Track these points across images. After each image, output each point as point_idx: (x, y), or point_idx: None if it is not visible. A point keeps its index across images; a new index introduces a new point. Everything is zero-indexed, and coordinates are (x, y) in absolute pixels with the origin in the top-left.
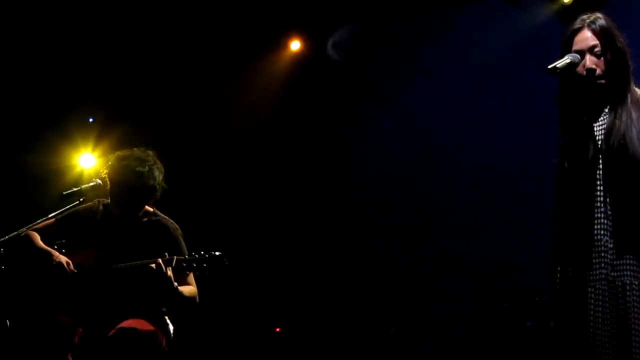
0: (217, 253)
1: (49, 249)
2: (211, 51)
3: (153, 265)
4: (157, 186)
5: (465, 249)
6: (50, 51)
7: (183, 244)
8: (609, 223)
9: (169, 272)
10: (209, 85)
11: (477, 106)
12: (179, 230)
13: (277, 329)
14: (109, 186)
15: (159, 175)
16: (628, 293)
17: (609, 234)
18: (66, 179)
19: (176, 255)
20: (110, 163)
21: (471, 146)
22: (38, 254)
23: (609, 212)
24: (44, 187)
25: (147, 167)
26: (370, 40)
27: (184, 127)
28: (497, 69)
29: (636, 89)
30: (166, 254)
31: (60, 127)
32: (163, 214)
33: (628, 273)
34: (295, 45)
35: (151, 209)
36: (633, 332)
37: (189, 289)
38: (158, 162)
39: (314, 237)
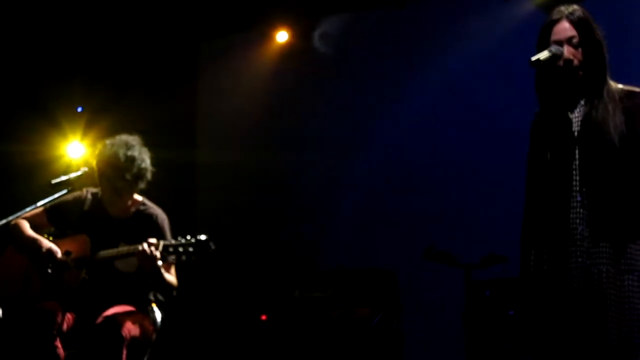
0: (203, 237)
1: (38, 236)
2: (194, 42)
3: (139, 249)
4: (148, 168)
5: (450, 239)
6: (38, 40)
7: (170, 232)
8: (585, 212)
9: (156, 256)
10: (192, 80)
11: (462, 98)
12: (167, 220)
13: (263, 317)
14: (97, 175)
15: (147, 158)
16: (604, 280)
17: (584, 222)
18: (54, 168)
19: (162, 240)
20: (99, 151)
21: (456, 137)
22: (27, 241)
23: (585, 201)
24: (32, 176)
25: (137, 151)
26: (356, 32)
27: (167, 122)
28: (482, 62)
29: (612, 82)
30: (153, 239)
31: (49, 116)
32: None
33: (604, 261)
34: (282, 36)
35: (140, 199)
36: (609, 319)
37: (170, 279)
38: (144, 147)
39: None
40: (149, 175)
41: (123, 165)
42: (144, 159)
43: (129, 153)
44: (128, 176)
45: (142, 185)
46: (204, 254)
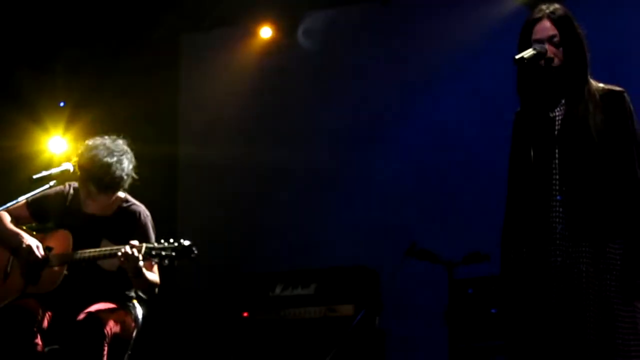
0: (186, 242)
1: (20, 230)
2: (176, 36)
3: (122, 252)
4: (125, 177)
5: (433, 237)
6: (18, 33)
7: (152, 231)
8: (564, 211)
9: (138, 259)
10: (174, 74)
11: (446, 96)
12: (150, 217)
13: (245, 313)
14: (78, 173)
15: (128, 165)
16: (584, 280)
17: (564, 222)
18: (36, 163)
19: (145, 242)
20: (79, 151)
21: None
22: (9, 235)
23: (564, 201)
24: (14, 171)
25: (115, 158)
26: (340, 28)
27: (149, 116)
28: (465, 57)
29: (593, 81)
30: (136, 241)
31: (30, 111)
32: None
33: (584, 260)
34: (265, 32)
35: (122, 195)
36: (588, 319)
37: (152, 277)
38: (129, 151)
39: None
40: (125, 184)
41: (97, 171)
42: (123, 167)
43: (106, 160)
44: (100, 183)
45: (117, 192)
46: (187, 259)
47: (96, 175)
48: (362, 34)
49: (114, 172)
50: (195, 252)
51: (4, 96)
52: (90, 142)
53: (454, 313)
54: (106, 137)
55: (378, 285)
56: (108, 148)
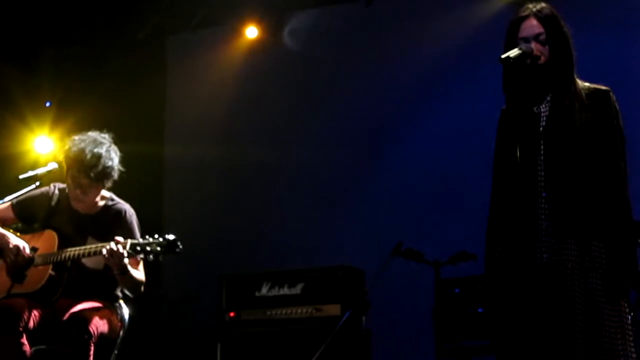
0: (170, 237)
1: (5, 231)
2: (162, 36)
3: (107, 248)
4: (115, 167)
5: (419, 237)
6: (3, 32)
7: (137, 228)
8: (549, 208)
9: (122, 255)
10: (160, 74)
11: (429, 94)
12: (135, 216)
13: (231, 313)
14: (65, 170)
15: (115, 157)
16: (569, 277)
17: (549, 218)
18: (22, 163)
19: (130, 239)
20: (66, 147)
21: (422, 134)
22: None
23: (550, 197)
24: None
25: (104, 148)
26: (324, 28)
27: (135, 116)
28: (451, 58)
29: (579, 80)
30: (120, 237)
31: (16, 111)
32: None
33: (569, 258)
34: (251, 32)
35: (108, 194)
36: (576, 316)
37: (138, 275)
38: (113, 145)
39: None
40: (115, 175)
41: (88, 162)
42: (112, 157)
43: (96, 150)
44: (92, 174)
45: (107, 184)
46: (172, 254)
47: (88, 165)
48: (347, 34)
49: (106, 162)
50: (180, 246)
51: None
52: (76, 137)
53: (440, 312)
54: (90, 132)
55: (364, 285)
56: (95, 140)
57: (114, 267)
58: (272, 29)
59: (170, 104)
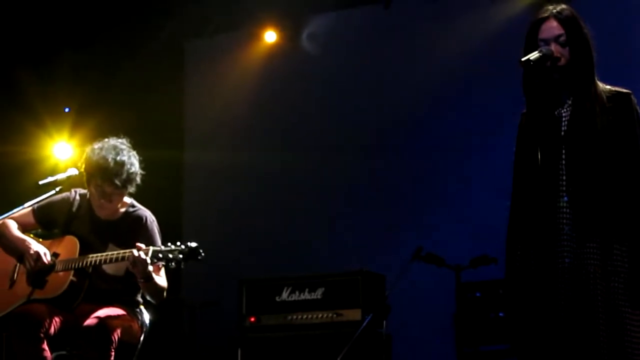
0: (192, 244)
1: (26, 237)
2: (180, 41)
3: (129, 256)
4: (137, 172)
5: (439, 240)
6: (23, 40)
7: (158, 235)
8: (571, 212)
9: (146, 262)
10: (179, 79)
11: (449, 96)
12: (155, 222)
13: (252, 318)
14: (86, 179)
15: (136, 162)
16: (591, 281)
17: (571, 222)
18: (41, 169)
19: (151, 246)
20: (87, 156)
21: (444, 133)
22: (15, 241)
23: (571, 201)
24: (20, 176)
25: (125, 155)
26: (343, 32)
27: (154, 122)
28: (469, 61)
29: (600, 82)
30: (142, 245)
31: (35, 117)
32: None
33: (591, 262)
34: (270, 36)
35: (128, 200)
36: (599, 320)
37: (160, 281)
38: (132, 150)
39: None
40: (138, 179)
41: (112, 170)
42: (133, 162)
43: (118, 157)
44: (117, 181)
45: (131, 189)
46: (193, 261)
47: (112, 173)
48: (365, 38)
49: (129, 168)
50: (202, 253)
51: (9, 102)
52: (96, 145)
53: (461, 317)
54: (108, 139)
55: (385, 290)
56: (115, 147)
57: (138, 274)
58: (290, 33)
59: (189, 109)
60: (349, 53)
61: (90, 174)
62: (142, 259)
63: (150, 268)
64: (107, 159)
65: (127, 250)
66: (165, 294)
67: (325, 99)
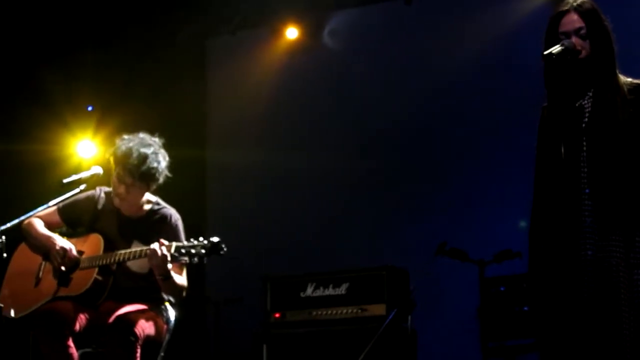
0: (215, 239)
1: (52, 234)
2: (202, 39)
3: (151, 250)
4: (160, 170)
5: (464, 236)
6: (46, 38)
7: (183, 233)
8: (593, 204)
9: (166, 257)
10: (201, 77)
11: (470, 92)
12: (180, 220)
13: (276, 314)
14: (113, 169)
15: (162, 161)
16: (614, 274)
17: (593, 215)
18: (65, 167)
19: (175, 242)
20: (115, 145)
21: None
22: (41, 239)
23: (593, 193)
24: (44, 175)
25: (151, 150)
26: (364, 28)
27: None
28: (493, 55)
29: (621, 75)
30: (165, 240)
31: (59, 115)
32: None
33: (615, 254)
34: (291, 32)
35: (154, 198)
36: (623, 312)
37: (180, 280)
38: (163, 150)
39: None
40: (160, 178)
41: (133, 161)
42: (158, 160)
43: (143, 150)
44: (136, 174)
45: (152, 186)
46: (216, 256)
47: (133, 164)
48: (387, 33)
49: (151, 163)
50: (225, 248)
51: (32, 100)
52: (126, 136)
53: (485, 311)
54: (141, 134)
55: (409, 285)
56: (144, 141)
57: (157, 271)
58: (312, 29)
59: (211, 107)
60: (370, 49)
61: (114, 161)
62: (164, 254)
63: (170, 266)
64: (131, 150)
65: (149, 247)
66: (184, 293)
67: (346, 95)
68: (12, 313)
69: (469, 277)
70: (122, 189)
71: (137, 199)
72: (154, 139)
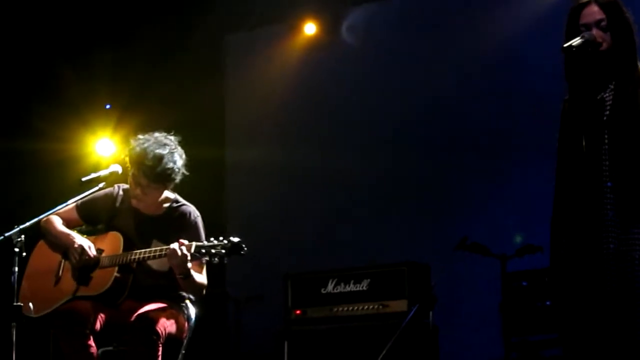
0: (235, 239)
1: (71, 232)
2: (220, 36)
3: (171, 250)
4: (177, 170)
5: (484, 230)
6: (65, 38)
7: (203, 230)
8: (615, 197)
9: (186, 257)
10: (219, 74)
11: (489, 85)
12: (200, 217)
13: (297, 311)
14: (129, 169)
15: (179, 160)
16: (637, 267)
17: (615, 208)
18: (84, 165)
19: (195, 241)
20: (130, 146)
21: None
22: (60, 236)
23: (615, 186)
24: (62, 173)
25: (167, 150)
26: (382, 22)
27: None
28: (510, 48)
29: None
30: (185, 240)
31: (77, 113)
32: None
33: (637, 247)
34: (309, 28)
35: (172, 196)
36: None
37: (200, 279)
38: (179, 148)
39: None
40: (176, 177)
41: (149, 163)
42: (174, 160)
43: (158, 151)
44: (151, 175)
45: (168, 186)
46: (236, 256)
47: (148, 165)
48: (406, 28)
49: (166, 164)
50: (245, 248)
51: (51, 98)
52: (141, 136)
53: (507, 306)
54: (156, 133)
55: (430, 280)
56: (160, 141)
57: (177, 270)
58: (330, 25)
59: (230, 105)
60: (388, 44)
61: (130, 163)
62: (184, 254)
63: (189, 265)
64: (146, 151)
65: (169, 246)
66: (204, 291)
67: (365, 91)
68: (32, 312)
69: (490, 272)
70: (138, 190)
71: (154, 198)
72: (169, 137)
